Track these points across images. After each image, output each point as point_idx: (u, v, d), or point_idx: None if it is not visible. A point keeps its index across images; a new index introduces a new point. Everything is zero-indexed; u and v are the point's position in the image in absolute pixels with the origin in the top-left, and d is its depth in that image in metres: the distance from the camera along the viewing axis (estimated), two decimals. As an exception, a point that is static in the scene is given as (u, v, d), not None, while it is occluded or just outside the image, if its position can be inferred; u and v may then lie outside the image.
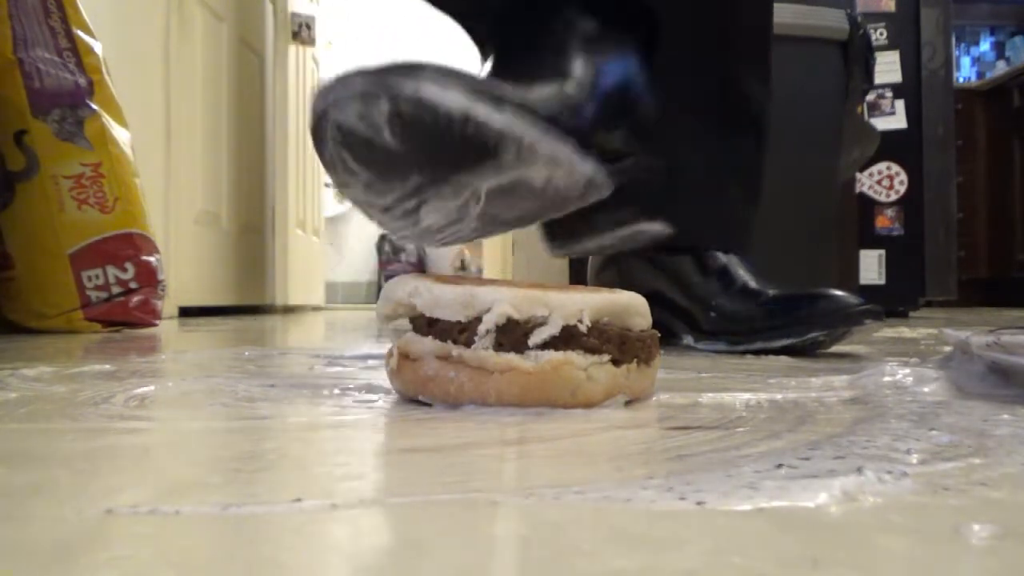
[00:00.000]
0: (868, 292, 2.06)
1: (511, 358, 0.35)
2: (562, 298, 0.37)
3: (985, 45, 4.17)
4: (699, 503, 0.20)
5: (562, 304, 0.36)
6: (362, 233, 4.09)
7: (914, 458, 0.25)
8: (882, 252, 2.20)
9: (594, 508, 0.20)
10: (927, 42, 2.18)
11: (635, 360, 0.38)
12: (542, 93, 0.49)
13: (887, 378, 0.44)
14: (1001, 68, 3.93)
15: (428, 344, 0.37)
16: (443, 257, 4.22)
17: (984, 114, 3.44)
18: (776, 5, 0.87)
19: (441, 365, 0.37)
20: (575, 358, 0.36)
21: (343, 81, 0.39)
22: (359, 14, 4.04)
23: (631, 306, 0.39)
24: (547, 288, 0.38)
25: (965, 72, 4.10)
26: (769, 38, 0.84)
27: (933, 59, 2.19)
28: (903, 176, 2.20)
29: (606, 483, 0.22)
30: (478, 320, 0.36)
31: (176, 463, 0.27)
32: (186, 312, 1.93)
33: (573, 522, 0.19)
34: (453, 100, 0.37)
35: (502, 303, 0.36)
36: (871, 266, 2.19)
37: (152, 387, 0.46)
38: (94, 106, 1.27)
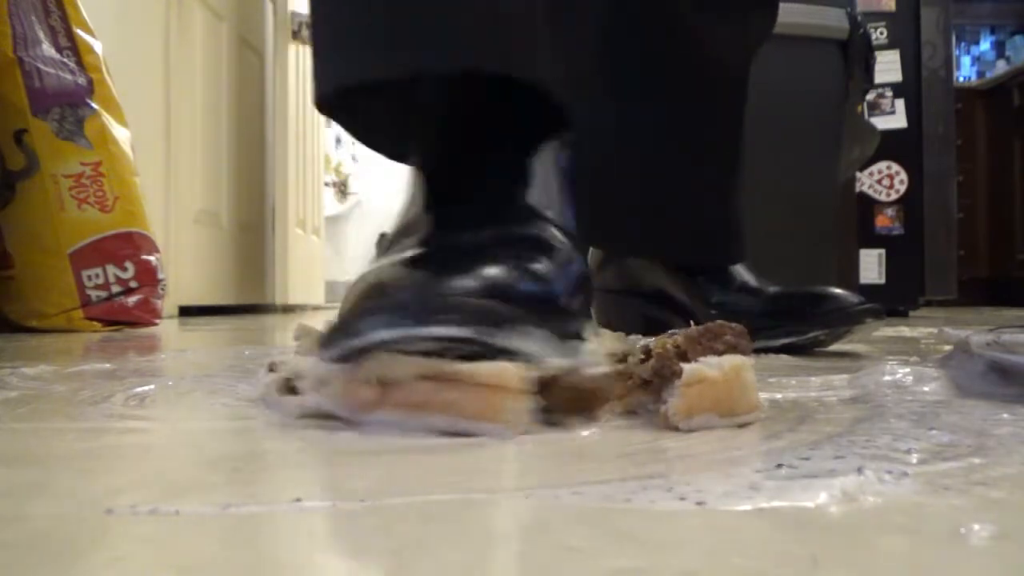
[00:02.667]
0: (868, 291, 2.06)
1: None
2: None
3: (985, 44, 4.17)
4: (699, 503, 0.20)
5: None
6: (362, 232, 4.09)
7: (914, 458, 0.25)
8: (882, 251, 2.19)
9: (594, 508, 0.20)
10: (927, 41, 2.18)
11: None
12: None
13: (887, 377, 0.44)
14: (1001, 68, 3.93)
15: (412, 362, 0.29)
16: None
17: (984, 114, 3.44)
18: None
19: (433, 388, 0.29)
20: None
21: (415, 318, 0.29)
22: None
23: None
24: None
25: (965, 72, 4.10)
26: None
27: (933, 58, 2.19)
28: (903, 175, 2.20)
29: (606, 483, 0.22)
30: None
31: (176, 463, 0.27)
32: (186, 311, 1.93)
33: (573, 522, 0.19)
34: (537, 351, 0.31)
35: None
36: (871, 265, 2.19)
37: (152, 386, 0.46)
38: (94, 105, 1.27)
